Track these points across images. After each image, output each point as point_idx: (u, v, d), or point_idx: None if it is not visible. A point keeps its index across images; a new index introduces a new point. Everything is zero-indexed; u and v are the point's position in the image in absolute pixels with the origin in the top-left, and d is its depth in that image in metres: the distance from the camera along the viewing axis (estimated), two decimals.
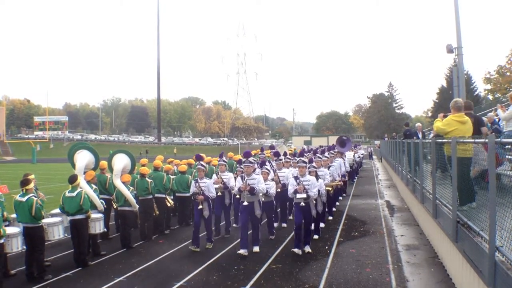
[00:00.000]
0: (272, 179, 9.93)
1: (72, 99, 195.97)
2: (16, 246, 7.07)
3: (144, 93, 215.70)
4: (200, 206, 8.78)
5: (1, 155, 65.08)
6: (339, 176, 12.54)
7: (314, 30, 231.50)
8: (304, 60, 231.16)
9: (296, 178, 8.36)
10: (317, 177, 8.86)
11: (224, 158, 11.08)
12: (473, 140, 5.61)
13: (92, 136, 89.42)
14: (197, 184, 8.92)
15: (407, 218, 11.74)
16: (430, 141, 8.68)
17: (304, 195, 8.02)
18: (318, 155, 11.44)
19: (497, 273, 3.98)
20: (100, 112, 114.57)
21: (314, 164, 9.24)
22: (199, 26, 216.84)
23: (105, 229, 9.08)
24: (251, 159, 9.10)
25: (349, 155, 21.77)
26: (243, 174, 8.65)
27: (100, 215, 8.55)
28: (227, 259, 8.01)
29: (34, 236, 7.14)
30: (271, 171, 10.34)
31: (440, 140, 7.12)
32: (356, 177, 24.59)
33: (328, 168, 11.23)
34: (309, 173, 8.66)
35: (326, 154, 12.53)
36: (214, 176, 10.07)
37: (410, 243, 8.93)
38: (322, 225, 10.29)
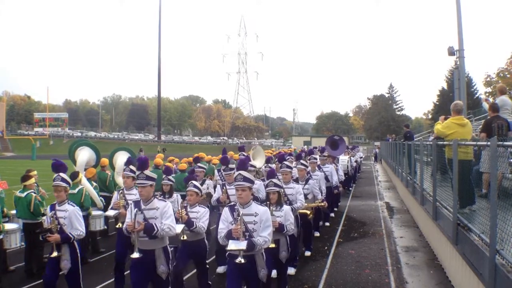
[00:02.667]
0: (218, 200, 6.99)
1: (72, 95, 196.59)
2: (15, 242, 7.07)
3: (144, 91, 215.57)
4: (55, 254, 5.18)
5: (1, 151, 65.05)
6: (322, 194, 8.53)
7: (315, 30, 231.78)
8: (304, 60, 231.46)
9: (232, 208, 4.62)
10: (281, 201, 5.47)
11: (131, 167, 6.48)
12: (474, 143, 5.63)
13: (92, 133, 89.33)
14: (53, 212, 5.27)
15: (406, 220, 11.75)
16: (431, 143, 8.70)
17: (243, 246, 4.26)
18: (286, 163, 7.15)
19: (497, 276, 3.98)
20: (100, 109, 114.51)
21: (277, 179, 5.58)
22: (200, 24, 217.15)
23: (105, 227, 9.08)
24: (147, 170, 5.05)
25: (344, 160, 17.32)
26: (137, 199, 5.06)
27: (101, 212, 8.56)
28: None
29: (33, 232, 7.13)
30: (217, 188, 7.46)
31: (441, 143, 7.13)
32: (354, 185, 20.82)
33: (306, 182, 7.83)
34: (268, 196, 5.44)
35: (302, 160, 8.41)
36: (115, 196, 6.79)
37: (409, 245, 8.93)
38: (291, 270, 6.85)
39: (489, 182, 4.74)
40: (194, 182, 5.87)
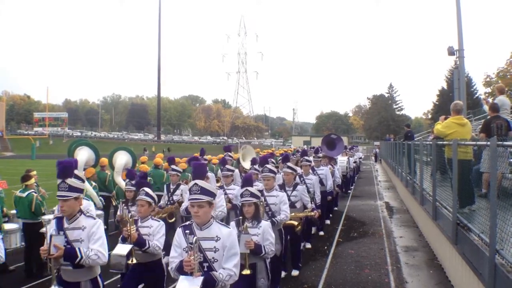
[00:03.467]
0: (186, 210, 5.90)
1: (72, 95, 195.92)
2: (15, 242, 7.07)
3: (144, 91, 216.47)
4: None
5: (1, 151, 65.01)
6: (316, 200, 8.02)
7: (315, 30, 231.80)
8: (304, 60, 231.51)
9: (186, 229, 3.42)
10: (259, 215, 4.45)
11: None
12: (474, 142, 5.63)
13: (92, 133, 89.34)
14: None
15: (406, 220, 11.75)
16: (430, 143, 8.70)
17: (197, 285, 3.05)
18: (268, 166, 6.02)
19: (497, 276, 3.98)
20: (100, 109, 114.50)
21: (254, 188, 4.60)
22: (200, 24, 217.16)
23: (105, 226, 9.07)
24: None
25: (342, 161, 15.86)
26: (59, 215, 3.97)
27: (100, 212, 8.55)
28: None
29: (33, 232, 7.13)
30: (186, 195, 6.30)
31: (441, 142, 7.13)
32: (352, 187, 19.84)
33: (294, 187, 6.76)
34: (243, 208, 4.42)
35: (290, 163, 7.19)
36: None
37: (409, 245, 8.93)
38: (295, 272, 6.93)
39: (489, 182, 4.74)
40: (146, 189, 4.88)
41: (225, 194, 6.83)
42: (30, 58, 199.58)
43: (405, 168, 14.27)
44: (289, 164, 7.09)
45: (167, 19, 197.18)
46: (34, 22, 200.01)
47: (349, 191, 18.12)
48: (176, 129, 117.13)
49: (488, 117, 7.52)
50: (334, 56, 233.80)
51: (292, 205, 6.41)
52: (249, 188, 4.42)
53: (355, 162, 22.74)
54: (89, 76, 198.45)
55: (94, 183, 8.91)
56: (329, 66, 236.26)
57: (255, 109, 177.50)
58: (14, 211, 7.61)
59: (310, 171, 8.80)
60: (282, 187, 6.62)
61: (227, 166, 7.64)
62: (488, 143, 4.36)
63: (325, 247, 8.79)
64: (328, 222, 11.02)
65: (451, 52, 17.08)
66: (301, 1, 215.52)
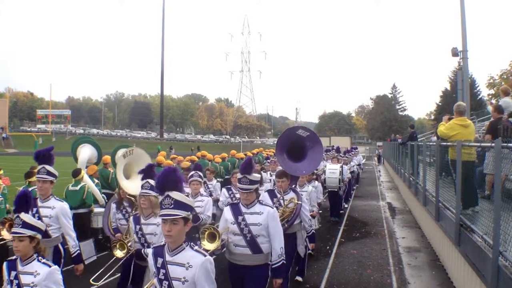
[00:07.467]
0: None
1: (75, 93, 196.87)
2: None
3: (147, 89, 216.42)
4: None
5: (3, 148, 65.21)
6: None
7: (318, 29, 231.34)
8: (307, 60, 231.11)
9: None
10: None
11: None
12: (478, 144, 5.62)
13: (95, 131, 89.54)
14: None
15: (408, 220, 11.73)
16: (434, 144, 8.69)
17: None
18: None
19: (500, 278, 3.97)
20: (103, 106, 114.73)
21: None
22: (204, 23, 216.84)
23: None
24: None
25: (333, 170, 10.98)
26: None
27: (102, 209, 8.56)
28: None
29: None
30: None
31: (445, 143, 7.12)
32: (349, 203, 14.70)
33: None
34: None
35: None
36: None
37: (411, 246, 8.92)
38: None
39: (492, 184, 4.72)
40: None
41: None
42: (34, 55, 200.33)
43: (408, 169, 14.25)
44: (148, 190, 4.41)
45: (170, 17, 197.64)
46: (38, 20, 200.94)
47: (342, 210, 12.81)
48: (178, 127, 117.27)
49: (492, 118, 7.50)
50: (338, 56, 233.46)
51: None
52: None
53: (352, 172, 15.58)
54: (92, 73, 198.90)
55: (96, 181, 8.93)
56: (332, 66, 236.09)
57: (258, 108, 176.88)
58: None
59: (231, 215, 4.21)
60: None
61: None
62: (493, 144, 4.35)
63: (327, 247, 8.78)
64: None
65: (455, 53, 17.01)
66: (304, 1, 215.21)
